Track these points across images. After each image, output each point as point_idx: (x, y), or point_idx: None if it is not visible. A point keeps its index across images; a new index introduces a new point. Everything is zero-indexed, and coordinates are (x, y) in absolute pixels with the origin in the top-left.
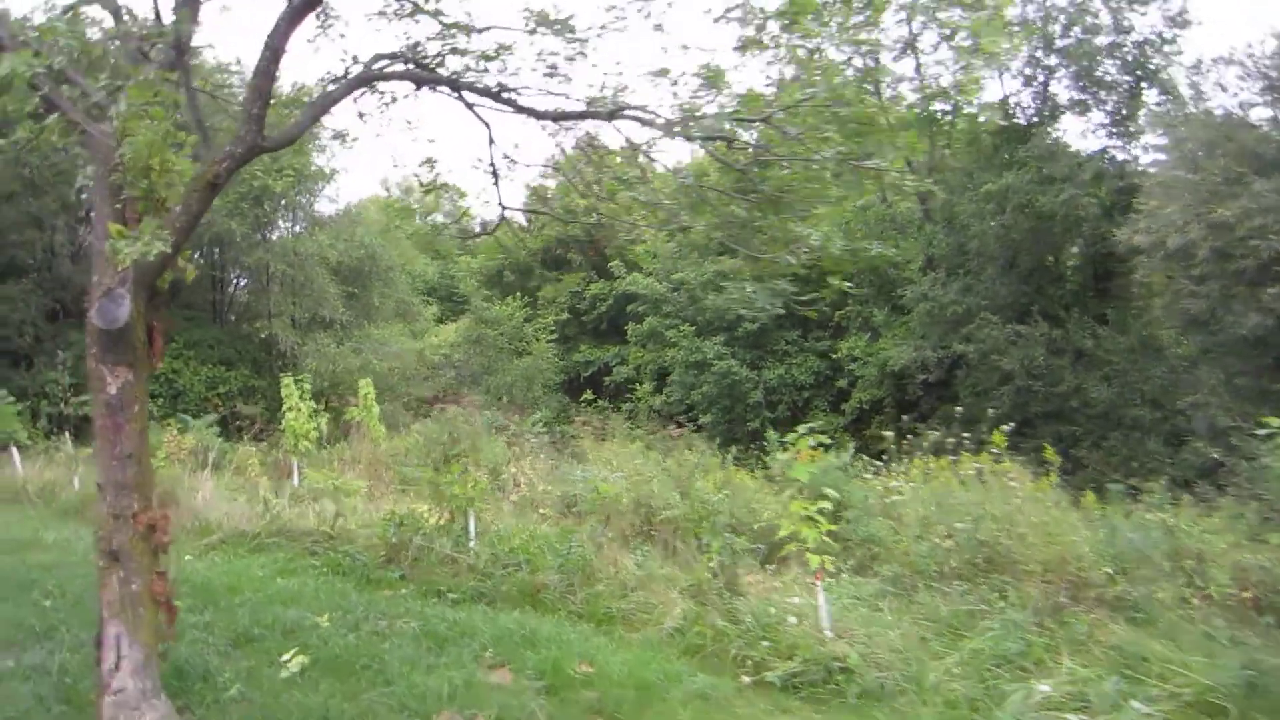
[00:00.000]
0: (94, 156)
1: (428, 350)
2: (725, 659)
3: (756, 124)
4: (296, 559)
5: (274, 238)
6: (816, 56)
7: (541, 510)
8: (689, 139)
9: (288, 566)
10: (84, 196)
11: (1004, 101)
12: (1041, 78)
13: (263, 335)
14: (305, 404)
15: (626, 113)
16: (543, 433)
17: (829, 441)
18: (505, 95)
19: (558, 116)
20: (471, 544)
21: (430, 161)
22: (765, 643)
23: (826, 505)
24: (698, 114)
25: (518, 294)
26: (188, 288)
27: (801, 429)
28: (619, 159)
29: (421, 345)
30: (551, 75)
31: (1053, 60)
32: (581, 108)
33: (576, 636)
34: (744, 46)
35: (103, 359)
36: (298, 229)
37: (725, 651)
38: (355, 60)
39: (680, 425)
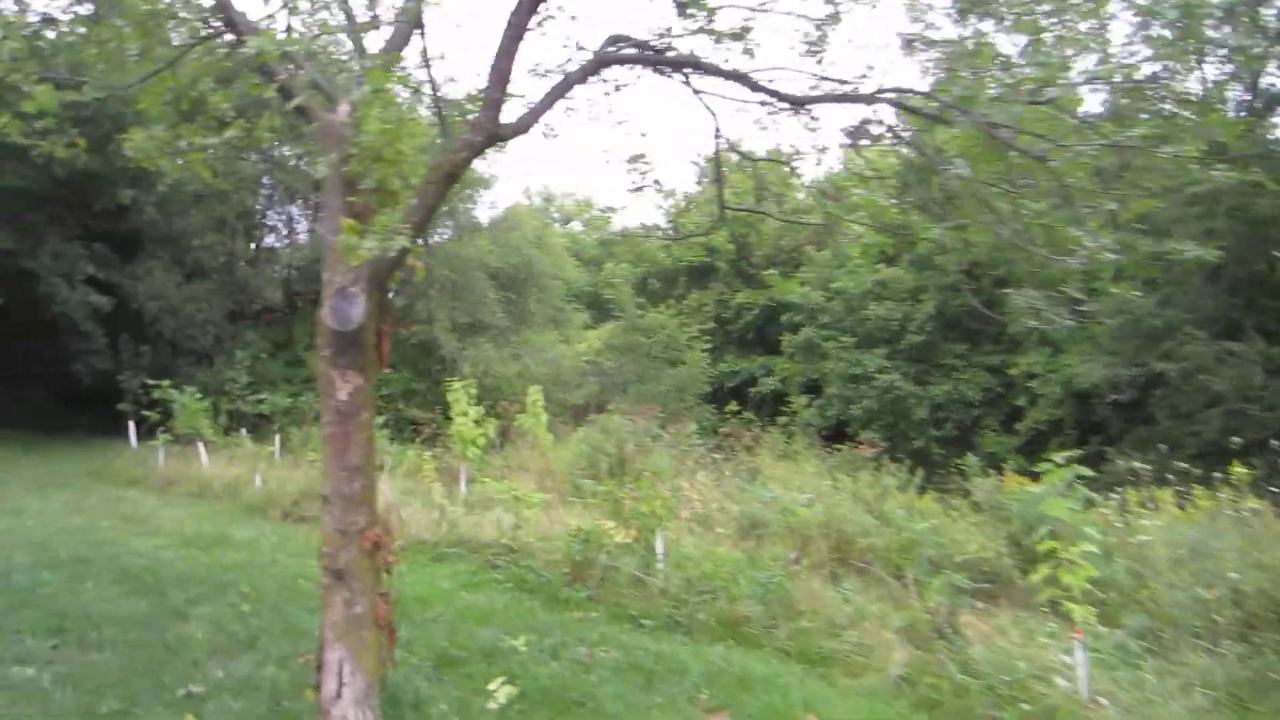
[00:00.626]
0: (326, 146)
1: (574, 357)
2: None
3: (1045, 105)
4: (479, 572)
5: (434, 242)
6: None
7: (718, 530)
8: (972, 126)
9: (472, 580)
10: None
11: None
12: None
13: (421, 339)
14: (473, 410)
15: (885, 95)
16: (699, 444)
17: (1091, 474)
18: (746, 78)
19: (806, 100)
20: (660, 566)
21: (638, 159)
22: (1024, 704)
23: (1091, 549)
24: (974, 95)
25: (667, 302)
26: None
27: (1058, 457)
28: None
29: (572, 351)
30: (813, 52)
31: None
32: (823, 91)
33: (792, 680)
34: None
35: (334, 362)
36: (457, 234)
37: (969, 710)
38: (579, 46)
39: (857, 442)
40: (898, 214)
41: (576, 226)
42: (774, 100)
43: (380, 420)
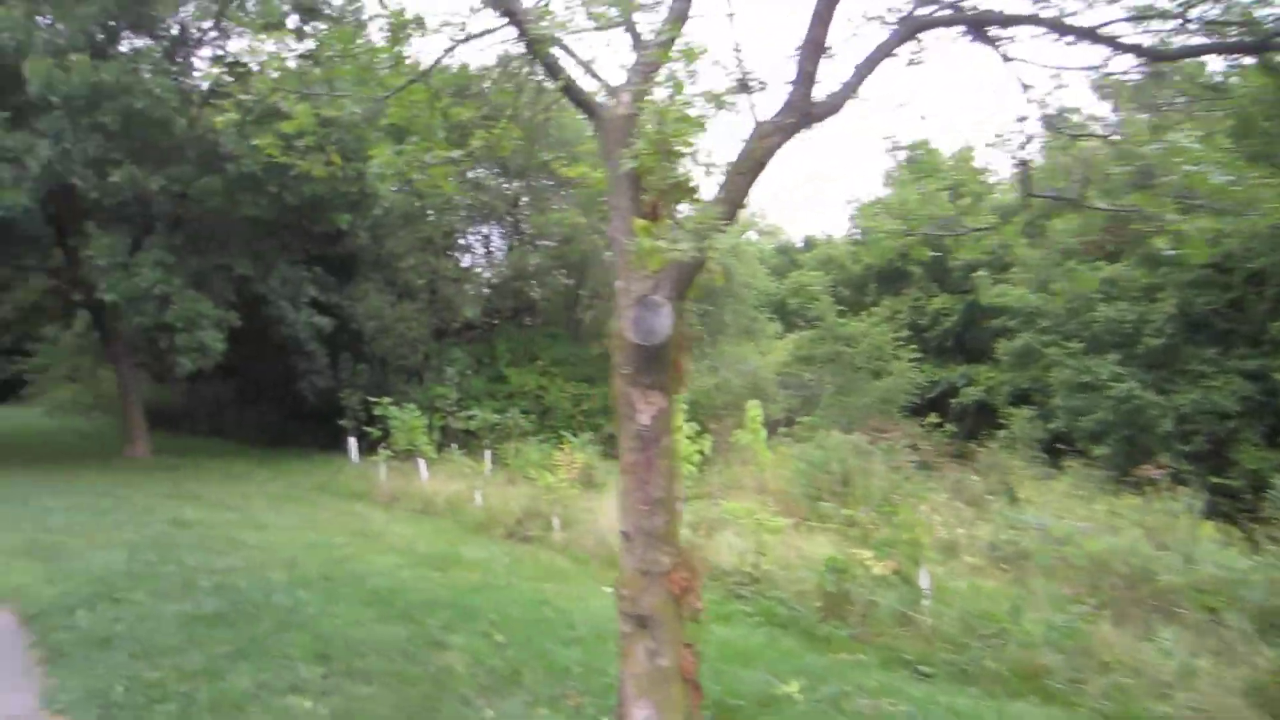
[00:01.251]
0: (609, 142)
1: (771, 369)
2: None
3: None
4: (724, 603)
5: None
6: None
7: (967, 559)
8: None
9: (720, 611)
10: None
11: None
12: None
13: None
14: (687, 426)
15: None
16: (914, 461)
17: None
18: (1094, 33)
19: (1174, 55)
20: (925, 602)
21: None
22: None
23: None
24: None
25: (868, 310)
26: (544, 304)
27: None
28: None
29: (768, 363)
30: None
31: None
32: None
33: None
34: None
35: (635, 381)
36: None
37: None
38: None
39: (1087, 457)
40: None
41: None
42: (1126, 54)
43: (589, 436)
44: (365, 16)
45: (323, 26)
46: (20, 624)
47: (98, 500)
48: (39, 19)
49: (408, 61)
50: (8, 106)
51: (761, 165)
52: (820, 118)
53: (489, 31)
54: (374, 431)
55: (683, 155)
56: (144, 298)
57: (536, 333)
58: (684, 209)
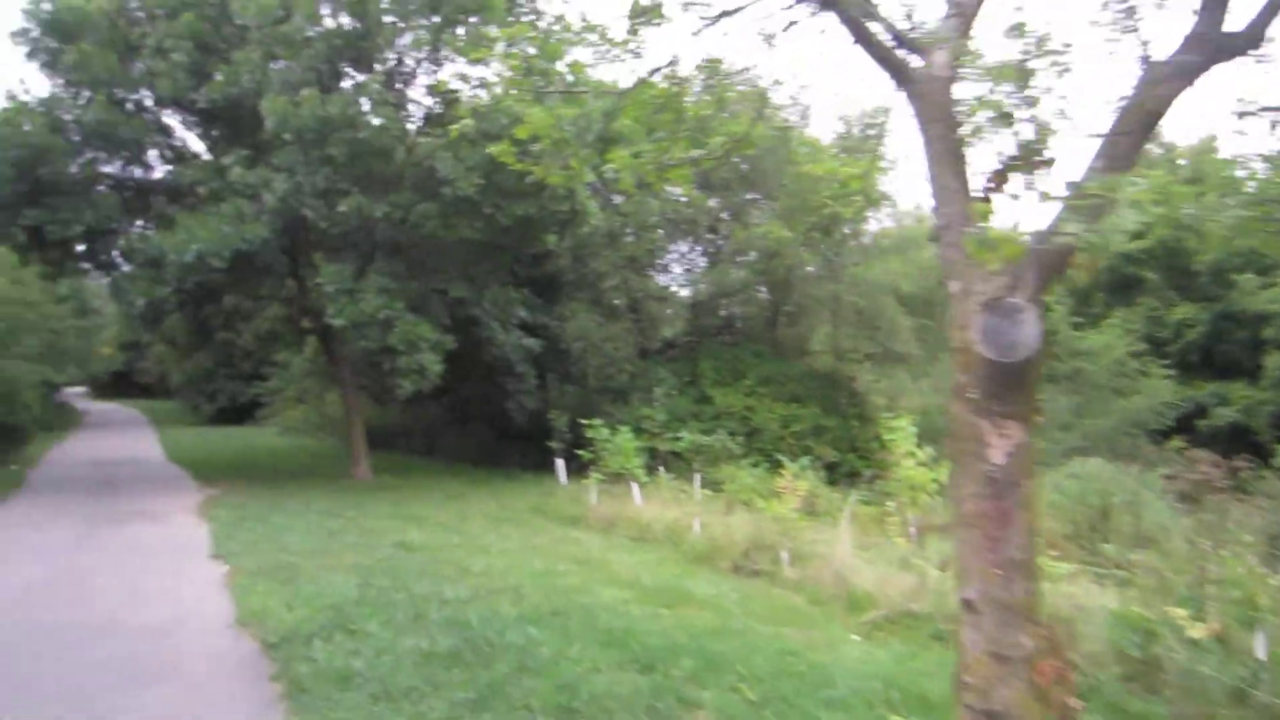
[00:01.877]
0: (925, 110)
1: None
2: None
3: None
4: None
5: (837, 266)
6: None
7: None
8: None
9: None
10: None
11: None
12: None
13: (827, 370)
14: (920, 451)
15: None
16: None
17: None
18: None
19: None
20: (1264, 676)
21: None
22: None
23: None
24: None
25: (1104, 320)
26: (744, 321)
27: None
28: None
29: None
30: None
31: None
32: None
33: None
34: None
35: (985, 408)
36: (862, 257)
37: None
38: None
39: None
40: None
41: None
42: None
43: (806, 461)
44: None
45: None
46: (262, 651)
47: (327, 521)
48: (273, 62)
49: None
50: (247, 145)
51: (1154, 120)
52: (1238, 52)
53: (741, 9)
54: (585, 454)
55: (1020, 121)
56: (368, 322)
57: (740, 351)
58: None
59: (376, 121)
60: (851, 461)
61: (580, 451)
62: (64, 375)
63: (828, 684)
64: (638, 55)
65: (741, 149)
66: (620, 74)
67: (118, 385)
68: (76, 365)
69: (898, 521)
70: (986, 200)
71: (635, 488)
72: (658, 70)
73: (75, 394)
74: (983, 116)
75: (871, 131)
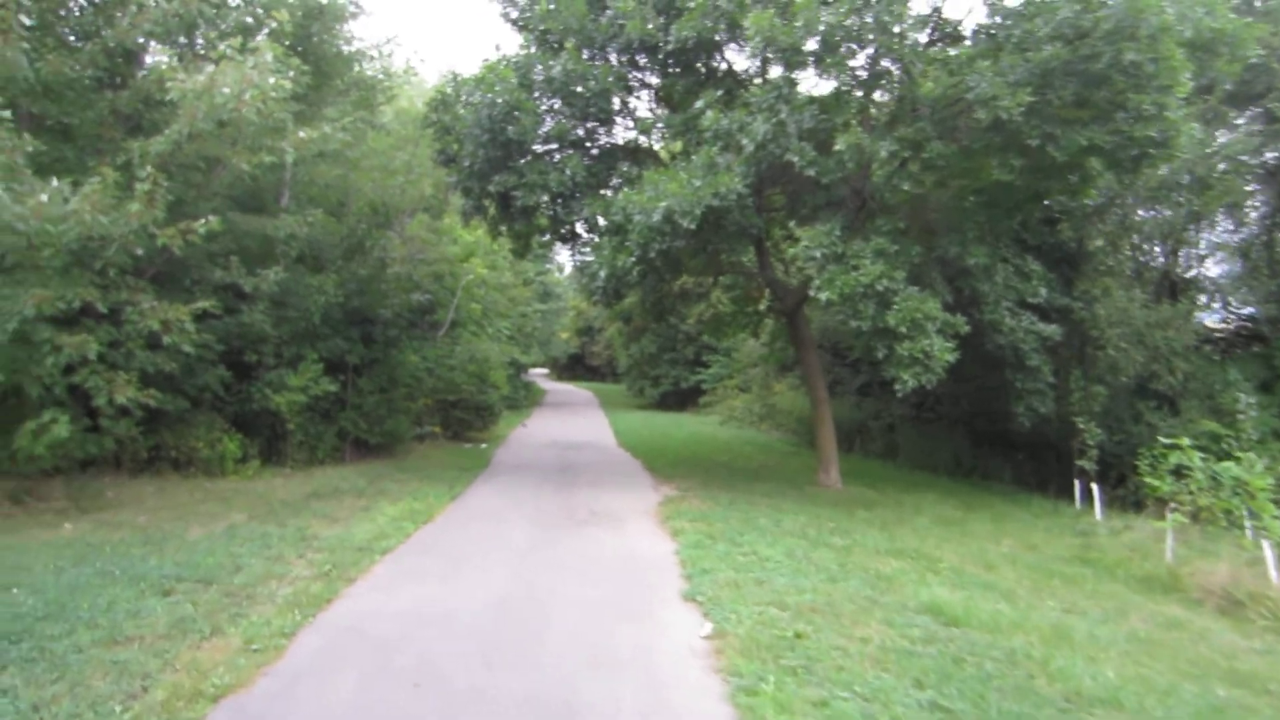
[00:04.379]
0: None
1: None
2: None
3: None
4: None
5: None
6: None
7: None
8: None
9: None
10: None
11: None
12: None
13: None
14: None
15: None
16: None
17: None
18: None
19: None
20: None
21: None
22: None
23: None
24: None
25: None
26: None
27: None
28: None
29: None
30: None
31: None
32: None
33: None
34: None
35: None
36: None
37: None
38: None
39: None
40: None
41: None
42: None
43: None
44: None
45: None
46: None
47: (812, 550)
48: None
49: None
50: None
51: None
52: None
53: None
54: (1158, 484)
55: None
56: (864, 295)
57: None
58: None
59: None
60: None
61: (1149, 481)
62: (529, 357)
63: None
64: None
65: None
66: None
67: (572, 367)
68: (539, 347)
69: None
70: None
71: (1271, 551)
72: None
73: (538, 374)
74: None
75: None
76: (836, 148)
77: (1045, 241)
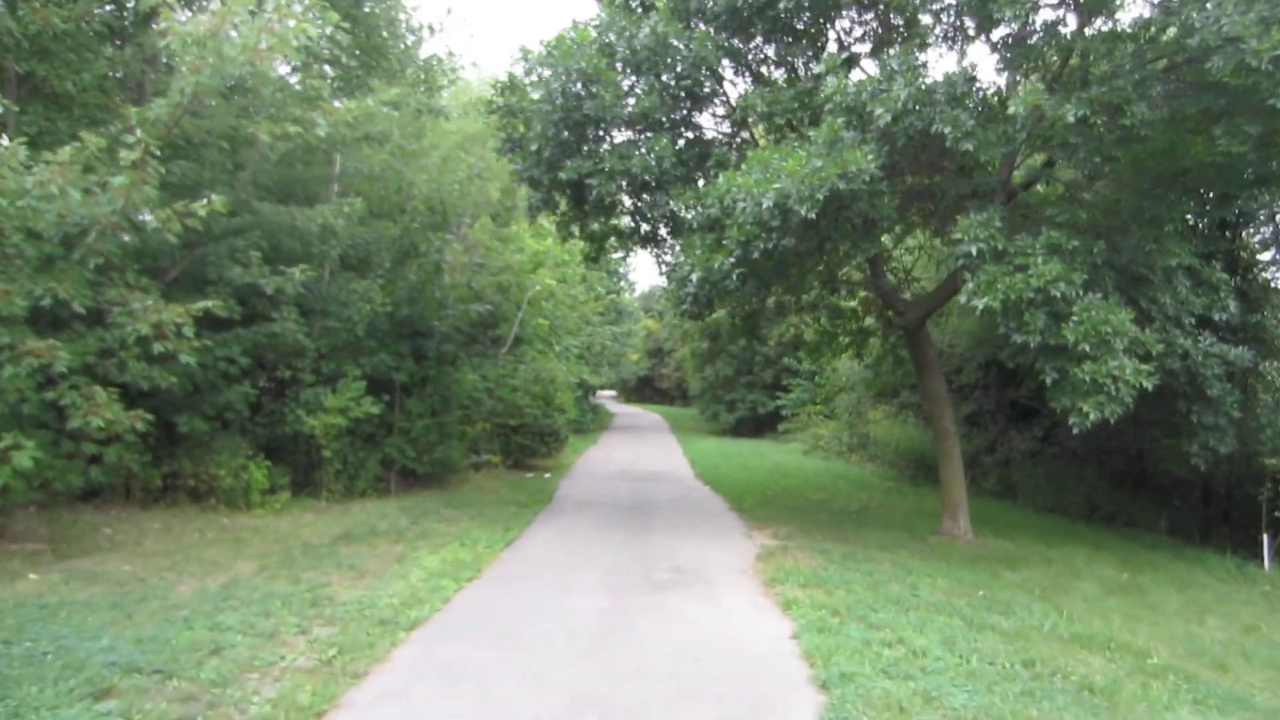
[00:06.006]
0: None
1: None
2: None
3: None
4: None
5: None
6: None
7: None
8: None
9: None
10: None
11: None
12: None
13: None
14: None
15: None
16: None
17: None
18: None
19: None
20: None
21: None
22: None
23: None
24: None
25: None
26: None
27: None
28: None
29: None
30: None
31: None
32: None
33: None
34: None
35: None
36: None
37: None
38: None
39: None
40: None
41: None
42: None
43: None
44: None
45: None
46: None
47: (976, 636)
48: None
49: None
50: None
51: None
52: None
53: None
54: None
55: None
56: (1032, 302)
57: None
58: None
59: None
60: None
61: None
62: (599, 378)
63: None
64: None
65: None
66: None
67: (640, 389)
68: (609, 368)
69: None
70: None
71: None
72: None
73: (606, 396)
74: None
75: None
76: (1010, 111)
77: (1217, 248)
